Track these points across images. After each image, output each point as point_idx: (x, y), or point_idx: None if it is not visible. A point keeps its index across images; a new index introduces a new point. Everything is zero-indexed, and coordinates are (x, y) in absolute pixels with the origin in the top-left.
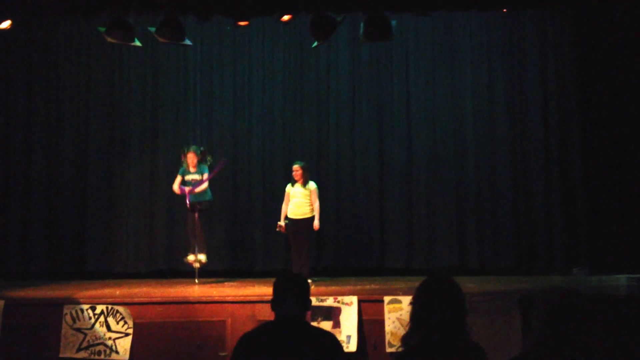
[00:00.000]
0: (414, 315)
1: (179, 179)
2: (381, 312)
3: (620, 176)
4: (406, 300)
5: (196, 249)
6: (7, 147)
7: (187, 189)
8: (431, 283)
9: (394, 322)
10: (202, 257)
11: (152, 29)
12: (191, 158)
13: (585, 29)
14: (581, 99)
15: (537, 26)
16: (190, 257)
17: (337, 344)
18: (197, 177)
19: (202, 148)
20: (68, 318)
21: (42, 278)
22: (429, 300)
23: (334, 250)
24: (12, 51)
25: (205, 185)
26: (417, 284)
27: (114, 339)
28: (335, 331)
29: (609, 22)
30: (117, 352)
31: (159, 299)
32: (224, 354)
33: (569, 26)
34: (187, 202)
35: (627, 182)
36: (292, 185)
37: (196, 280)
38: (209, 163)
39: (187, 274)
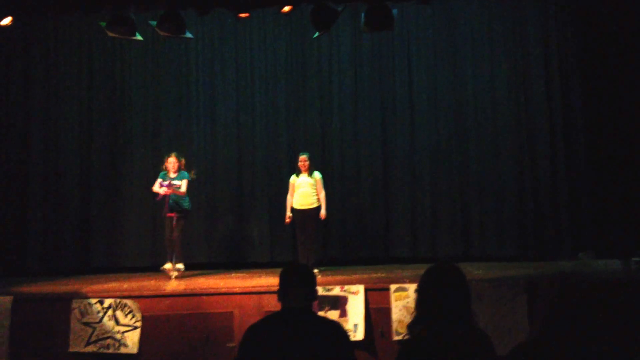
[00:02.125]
0: (419, 303)
1: (159, 181)
2: (388, 301)
3: (625, 161)
4: (412, 288)
5: (173, 258)
6: (8, 144)
7: (165, 184)
8: (435, 271)
9: (400, 310)
10: (180, 266)
11: (153, 23)
12: (172, 163)
13: (587, 15)
14: (585, 85)
15: (539, 13)
16: (167, 266)
17: (344, 333)
18: (177, 182)
19: (182, 155)
20: (76, 312)
21: (47, 275)
22: (434, 287)
23: (340, 241)
24: (12, 47)
25: (183, 188)
26: (422, 272)
27: (123, 332)
28: (342, 320)
29: (612, 8)
30: (126, 346)
31: (166, 292)
32: (232, 345)
33: (571, 13)
34: (163, 196)
35: (632, 167)
36: (297, 175)
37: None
38: (192, 175)
39: (193, 266)
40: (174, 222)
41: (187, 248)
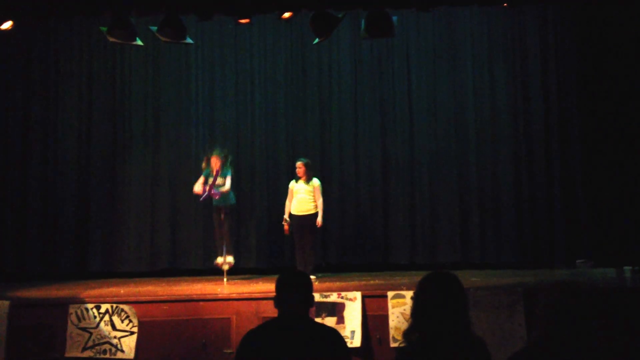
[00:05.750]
0: (415, 310)
1: (202, 179)
2: (385, 307)
3: (622, 168)
4: (410, 295)
5: (224, 252)
6: (5, 146)
7: (207, 188)
8: (432, 279)
9: (397, 317)
10: (230, 259)
11: (154, 28)
12: (214, 162)
13: (586, 23)
14: (582, 93)
15: (538, 21)
16: (219, 260)
17: (341, 340)
18: (219, 181)
19: (225, 150)
20: (73, 317)
21: (44, 279)
22: (430, 295)
23: (338, 247)
24: (12, 51)
25: (227, 186)
26: (420, 278)
27: (119, 338)
28: (339, 327)
29: (611, 17)
30: (122, 351)
31: (163, 297)
32: (229, 351)
33: (571, 21)
34: (204, 196)
35: (628, 175)
36: (296, 181)
37: (225, 280)
38: (231, 167)
39: (191, 272)
40: (222, 216)
41: (184, 254)
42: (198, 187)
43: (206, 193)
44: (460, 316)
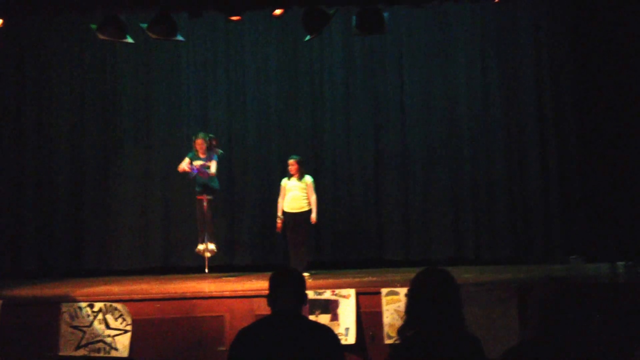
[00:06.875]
0: (409, 307)
1: (187, 160)
2: (379, 304)
3: (616, 164)
4: (403, 291)
5: (206, 239)
6: (0, 146)
7: (196, 166)
8: (425, 275)
9: (392, 313)
10: (212, 247)
11: (144, 26)
12: (200, 144)
13: (579, 17)
14: (577, 87)
15: (531, 15)
16: (201, 247)
17: (334, 337)
18: (206, 163)
19: (211, 135)
20: (66, 316)
21: (38, 277)
22: (423, 292)
23: (332, 244)
24: (2, 48)
25: (213, 169)
26: (413, 275)
27: (113, 336)
28: (333, 324)
29: (604, 10)
30: (116, 349)
31: (157, 296)
32: (222, 348)
33: (563, 14)
34: (193, 174)
35: (622, 170)
36: (288, 179)
37: (206, 270)
38: (219, 153)
39: (184, 269)
40: (205, 204)
41: (177, 252)
42: (184, 165)
43: (196, 171)
44: (455, 312)
